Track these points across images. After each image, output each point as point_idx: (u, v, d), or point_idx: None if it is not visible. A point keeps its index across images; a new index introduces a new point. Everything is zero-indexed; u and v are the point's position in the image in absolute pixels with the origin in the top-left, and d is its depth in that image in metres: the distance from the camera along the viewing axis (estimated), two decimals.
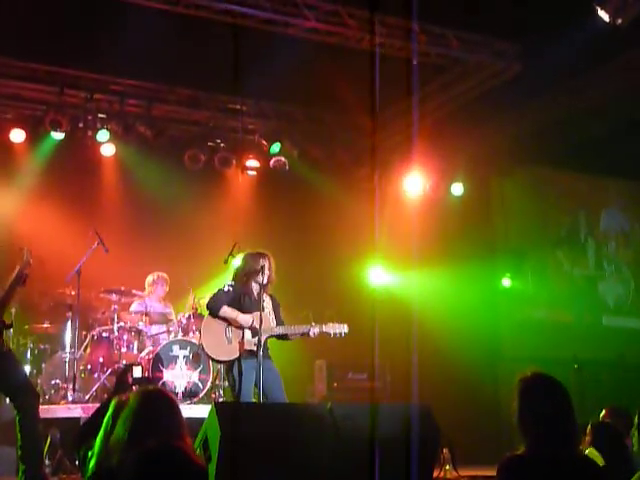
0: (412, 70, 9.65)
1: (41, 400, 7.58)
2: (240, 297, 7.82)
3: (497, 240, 13.43)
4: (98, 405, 5.74)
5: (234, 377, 7.65)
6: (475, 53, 10.80)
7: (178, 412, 3.84)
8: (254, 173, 12.58)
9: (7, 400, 8.31)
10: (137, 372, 8.91)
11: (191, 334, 9.83)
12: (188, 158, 11.98)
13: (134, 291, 10.26)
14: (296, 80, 10.61)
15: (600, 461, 4.33)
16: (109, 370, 9.57)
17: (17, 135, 11.14)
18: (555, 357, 11.20)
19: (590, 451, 5.00)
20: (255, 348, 7.57)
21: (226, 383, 9.66)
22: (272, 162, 12.37)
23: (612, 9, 8.86)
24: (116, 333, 9.85)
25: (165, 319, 10.25)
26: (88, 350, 9.85)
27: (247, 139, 12.40)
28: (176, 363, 9.50)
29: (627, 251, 14.42)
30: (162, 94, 11.82)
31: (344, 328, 7.94)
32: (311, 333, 7.84)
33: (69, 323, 9.77)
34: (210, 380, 9.56)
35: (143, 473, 2.80)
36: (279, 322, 7.94)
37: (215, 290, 7.98)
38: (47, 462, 7.48)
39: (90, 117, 11.38)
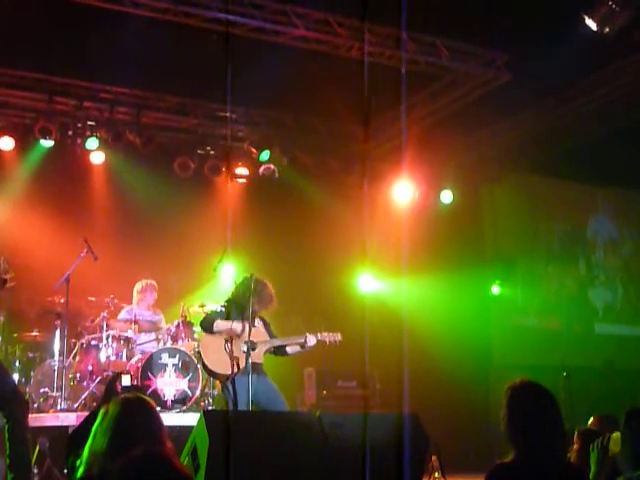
0: (401, 79, 9.68)
1: (30, 409, 7.56)
2: (233, 315, 7.85)
3: (487, 247, 13.49)
4: (87, 414, 5.75)
5: (231, 391, 7.68)
6: (464, 62, 10.84)
7: (157, 418, 3.84)
8: (244, 181, 12.60)
9: None
10: (126, 380, 8.97)
11: (180, 342, 9.81)
12: (177, 166, 11.97)
13: (123, 305, 10.27)
14: (285, 88, 10.63)
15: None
16: (98, 378, 9.54)
17: (6, 143, 11.13)
18: (544, 364, 11.24)
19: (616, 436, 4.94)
20: (257, 360, 7.65)
21: (215, 391, 9.68)
22: (261, 169, 12.38)
23: (600, 18, 8.91)
24: (105, 341, 9.83)
25: (155, 327, 10.23)
26: (77, 358, 9.82)
27: (236, 147, 12.43)
28: (165, 371, 9.48)
29: (615, 258, 14.48)
30: (151, 102, 11.83)
31: (338, 336, 8.05)
32: (308, 342, 7.89)
33: (58, 331, 9.74)
34: (199, 388, 9.54)
35: None
36: (272, 337, 8.01)
37: (209, 312, 8.11)
38: (35, 471, 7.47)
39: (79, 125, 11.39)
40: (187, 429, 6.21)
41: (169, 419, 8.26)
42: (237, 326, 7.76)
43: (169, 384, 9.43)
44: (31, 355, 9.96)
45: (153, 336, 10.12)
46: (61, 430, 8.47)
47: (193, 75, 10.38)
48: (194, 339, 9.83)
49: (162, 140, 12.10)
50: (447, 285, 12.00)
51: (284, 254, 11.23)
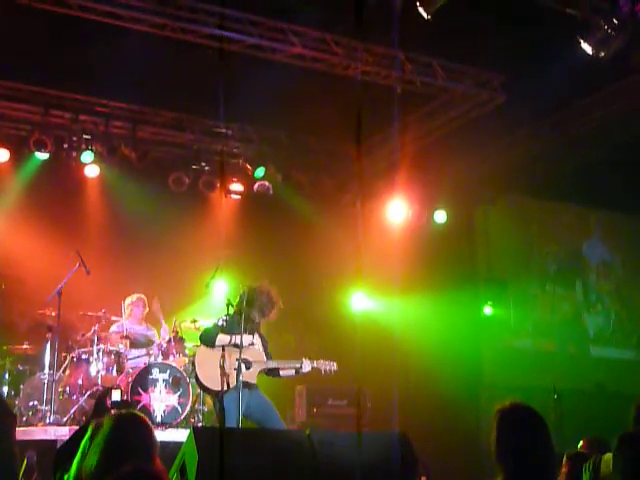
0: (395, 98, 9.73)
1: (18, 422, 7.53)
2: (234, 330, 7.83)
3: (479, 268, 13.50)
4: (76, 428, 5.72)
5: (222, 407, 7.67)
6: (460, 83, 10.88)
7: (150, 434, 3.83)
8: (238, 197, 12.61)
9: None
10: (116, 395, 8.94)
11: (171, 357, 9.80)
12: (172, 181, 11.99)
13: (113, 318, 10.25)
14: (281, 105, 10.66)
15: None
16: (88, 392, 9.51)
17: (1, 154, 11.13)
18: (535, 386, 11.23)
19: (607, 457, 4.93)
20: (249, 380, 7.64)
21: (205, 408, 9.66)
22: (256, 186, 12.41)
23: (595, 42, 8.95)
24: (96, 355, 9.81)
25: (148, 341, 10.21)
26: (67, 372, 9.79)
27: (231, 163, 12.44)
28: (155, 387, 9.45)
29: (608, 282, 14.51)
30: (147, 116, 11.84)
31: (334, 366, 8.06)
32: (304, 368, 7.89)
33: (49, 344, 9.71)
34: (189, 404, 9.52)
35: None
36: (267, 355, 8.00)
37: (207, 327, 8.09)
38: None
39: (75, 138, 11.39)
40: (176, 445, 6.19)
41: (158, 435, 8.24)
42: (238, 340, 7.76)
43: (159, 400, 9.41)
44: (21, 368, 9.92)
45: (144, 351, 10.09)
46: (50, 444, 8.43)
47: (189, 91, 10.41)
48: (185, 355, 9.83)
49: (157, 155, 12.12)
50: (439, 305, 12.01)
51: (277, 271, 11.19)
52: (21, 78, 10.70)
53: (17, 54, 9.59)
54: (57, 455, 5.06)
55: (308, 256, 12.02)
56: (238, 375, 7.52)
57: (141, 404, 9.20)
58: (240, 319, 7.79)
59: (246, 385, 7.64)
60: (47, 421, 9.20)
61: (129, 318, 10.32)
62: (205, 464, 5.77)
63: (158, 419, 9.16)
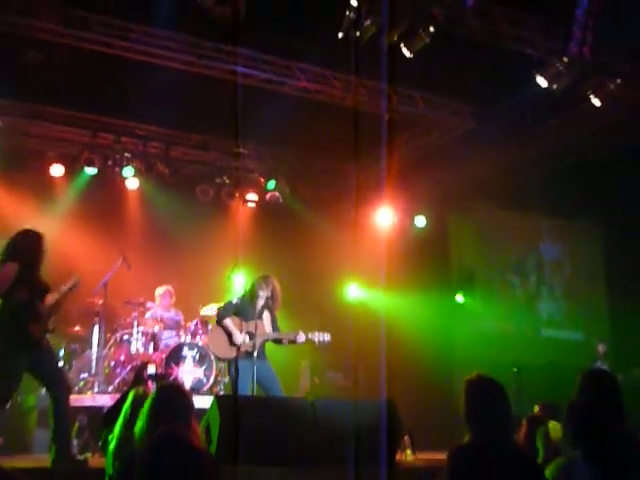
0: (383, 124, 9.72)
1: (71, 391, 7.54)
2: (245, 308, 7.85)
3: (453, 264, 13.50)
4: (119, 396, 5.73)
5: (233, 374, 7.67)
6: (437, 112, 10.88)
7: (189, 401, 3.84)
8: (253, 205, 12.60)
9: (43, 391, 8.31)
10: (152, 369, 8.88)
11: (198, 338, 9.81)
12: (199, 192, 11.99)
13: (149, 304, 10.26)
14: (289, 129, 10.66)
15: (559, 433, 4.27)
16: (129, 366, 9.53)
17: (57, 170, 11.15)
18: (499, 361, 11.19)
19: (553, 424, 4.96)
20: (251, 349, 7.59)
21: (226, 379, 9.66)
22: (268, 196, 12.41)
23: (549, 77, 8.96)
24: (135, 336, 9.82)
25: (177, 325, 10.23)
26: (111, 350, 9.80)
27: (248, 177, 12.43)
28: (185, 362, 9.47)
29: (559, 276, 14.51)
30: (178, 139, 11.83)
31: (327, 337, 7.93)
32: (298, 339, 7.85)
33: (96, 327, 9.73)
34: (213, 376, 9.53)
35: (150, 457, 2.80)
36: (275, 329, 7.96)
37: (226, 301, 8.05)
38: (75, 442, 7.43)
39: (118, 156, 11.39)
40: (202, 411, 6.19)
41: None
42: (236, 336, 7.73)
43: (188, 373, 9.43)
44: (73, 347, 9.94)
45: (174, 332, 10.11)
46: (97, 409, 8.45)
47: (213, 117, 10.39)
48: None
49: (186, 171, 12.12)
50: (419, 294, 12.00)
51: (286, 267, 11.17)
52: (74, 106, 10.68)
53: (71, 86, 9.60)
54: (103, 418, 5.07)
55: (311, 254, 12.00)
56: (253, 353, 7.50)
57: (173, 376, 9.21)
58: (250, 300, 7.82)
59: (249, 354, 7.60)
60: (95, 390, 9.22)
61: (159, 306, 10.34)
62: (226, 426, 5.79)
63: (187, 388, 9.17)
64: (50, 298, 6.38)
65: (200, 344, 9.59)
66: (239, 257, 9.32)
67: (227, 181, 12.19)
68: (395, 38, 8.18)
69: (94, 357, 9.60)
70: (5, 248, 6.26)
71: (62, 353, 9.71)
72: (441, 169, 11.72)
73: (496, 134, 10.80)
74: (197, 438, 3.50)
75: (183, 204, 11.66)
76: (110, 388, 9.35)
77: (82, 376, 9.51)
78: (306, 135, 10.93)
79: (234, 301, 7.94)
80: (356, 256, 11.99)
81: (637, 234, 11.84)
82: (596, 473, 3.54)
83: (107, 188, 11.53)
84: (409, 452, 7.85)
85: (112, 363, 9.68)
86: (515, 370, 9.90)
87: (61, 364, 9.38)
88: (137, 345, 9.78)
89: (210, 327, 8.22)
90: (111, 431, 4.32)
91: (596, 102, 9.48)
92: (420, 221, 13.01)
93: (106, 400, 8.70)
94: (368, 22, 7.89)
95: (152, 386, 5.99)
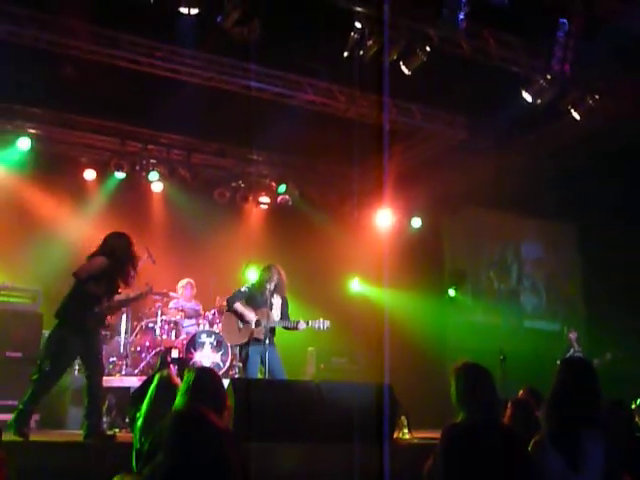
0: (383, 134, 9.73)
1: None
2: (254, 296, 7.86)
3: (445, 261, 13.48)
4: (144, 378, 5.74)
5: (243, 358, 7.71)
6: (432, 123, 10.88)
7: (221, 383, 3.87)
8: (265, 207, 12.61)
9: (76, 372, 8.34)
10: (174, 354, 8.96)
11: (215, 326, 9.83)
12: (217, 195, 12.00)
13: (172, 294, 10.27)
14: (298, 138, 10.67)
15: None
16: (153, 351, 9.55)
17: (89, 174, 11.16)
18: (487, 349, 11.15)
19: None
20: (260, 336, 7.62)
21: (241, 364, 9.68)
22: (279, 199, 12.40)
23: (533, 92, 8.95)
24: (159, 324, 9.84)
25: (197, 314, 10.25)
26: (138, 336, 9.82)
27: (261, 181, 12.43)
28: (203, 347, 9.49)
29: (540, 271, 14.47)
30: (198, 146, 11.84)
31: (327, 323, 7.92)
32: (299, 327, 7.85)
33: (124, 316, 9.75)
34: (229, 361, 9.54)
35: (173, 431, 2.81)
36: (284, 317, 7.94)
37: (235, 290, 8.07)
38: (105, 419, 7.46)
39: (144, 162, 11.40)
40: None
41: None
42: (248, 316, 7.75)
43: (206, 357, 9.45)
44: (103, 333, 9.90)
45: (194, 321, 10.12)
46: (125, 390, 8.49)
47: (230, 127, 10.41)
48: None
49: (205, 175, 12.11)
50: (415, 289, 12.00)
51: (294, 263, 11.14)
52: (105, 117, 10.72)
53: (103, 99, 9.62)
54: (131, 398, 5.08)
55: (317, 252, 11.99)
56: (264, 339, 7.52)
57: (192, 360, 9.24)
58: (258, 289, 7.80)
59: (257, 340, 7.61)
60: (123, 373, 9.24)
61: (181, 296, 10.35)
62: (240, 405, 5.80)
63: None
64: (117, 297, 6.46)
65: (217, 331, 9.61)
66: (252, 254, 9.33)
67: (242, 185, 12.19)
68: (395, 56, 8.20)
69: (122, 342, 9.62)
70: (101, 245, 6.35)
71: None
72: (435, 175, 11.70)
73: (485, 144, 10.79)
74: (222, 419, 3.50)
75: (202, 205, 11.67)
76: (136, 371, 9.37)
77: (111, 360, 9.53)
78: (313, 143, 10.93)
79: (243, 289, 7.96)
80: (358, 253, 12.01)
81: (610, 234, 11.84)
82: (559, 450, 3.56)
83: (134, 191, 11.54)
84: (405, 431, 7.84)
85: (138, 348, 9.70)
86: (501, 357, 9.84)
87: None
88: (160, 332, 9.80)
89: (223, 315, 8.24)
90: (138, 410, 4.32)
91: (576, 115, 9.46)
92: (416, 222, 12.99)
93: (132, 381, 8.72)
94: (370, 42, 7.91)
95: (174, 369, 6.01)
